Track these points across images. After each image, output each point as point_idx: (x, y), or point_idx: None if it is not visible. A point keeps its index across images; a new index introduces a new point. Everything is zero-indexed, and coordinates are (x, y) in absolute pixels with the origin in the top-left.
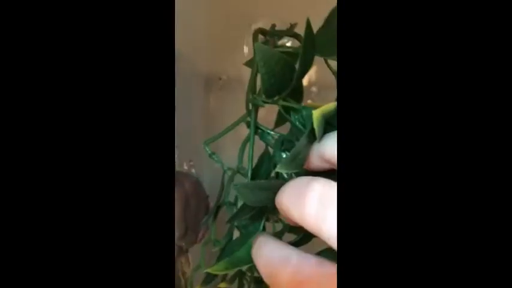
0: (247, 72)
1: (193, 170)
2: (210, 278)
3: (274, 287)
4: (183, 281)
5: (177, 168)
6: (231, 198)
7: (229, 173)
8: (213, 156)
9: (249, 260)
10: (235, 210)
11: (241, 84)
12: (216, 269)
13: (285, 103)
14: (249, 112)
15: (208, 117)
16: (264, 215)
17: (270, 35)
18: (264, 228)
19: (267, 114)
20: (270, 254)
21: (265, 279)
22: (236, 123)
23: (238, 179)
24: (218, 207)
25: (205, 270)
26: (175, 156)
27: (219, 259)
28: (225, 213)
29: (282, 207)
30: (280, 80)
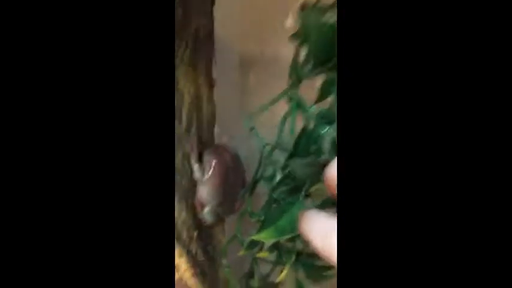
0: (285, 51)
1: (231, 145)
2: (253, 245)
3: (331, 256)
4: (218, 248)
5: (216, 142)
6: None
7: (268, 148)
8: (253, 130)
9: (292, 230)
10: (272, 184)
11: (278, 63)
12: (262, 237)
13: (329, 74)
14: (292, 85)
15: (246, 94)
16: (302, 188)
17: (315, 10)
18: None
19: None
20: (323, 225)
21: (319, 249)
22: (279, 98)
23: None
24: (255, 182)
25: (252, 238)
26: (215, 130)
27: (261, 228)
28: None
29: (333, 181)
30: (327, 50)
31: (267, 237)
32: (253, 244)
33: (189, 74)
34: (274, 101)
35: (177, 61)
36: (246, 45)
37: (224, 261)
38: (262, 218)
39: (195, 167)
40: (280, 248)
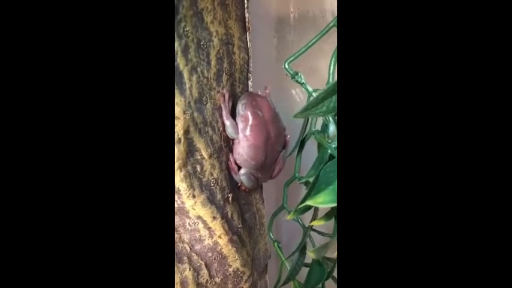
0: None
1: (269, 99)
2: (303, 209)
3: None
4: (257, 217)
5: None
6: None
7: (315, 94)
8: (297, 76)
9: None
10: (326, 139)
11: (311, 19)
12: (319, 202)
13: None
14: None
15: (282, 48)
16: None
17: None
18: None
19: None
20: None
21: None
22: (322, 33)
23: None
24: (304, 139)
25: (306, 203)
26: (249, 82)
27: (315, 190)
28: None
29: None
30: None
31: (324, 202)
32: (304, 209)
33: (217, 11)
34: (316, 39)
35: None
36: (282, 6)
37: (271, 235)
38: (314, 178)
39: (228, 122)
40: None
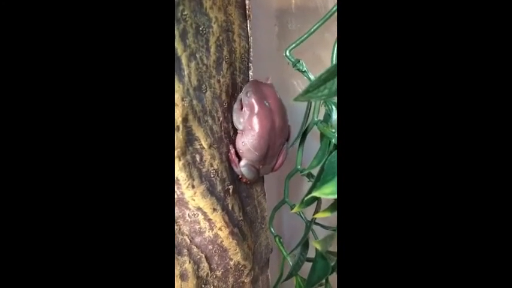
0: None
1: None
2: (309, 201)
3: None
4: (259, 210)
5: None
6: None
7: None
8: (298, 64)
9: None
10: (330, 129)
11: (313, 7)
12: (325, 193)
13: None
14: None
15: (283, 37)
16: None
17: None
18: None
19: None
20: None
21: None
22: (324, 19)
23: None
24: (306, 130)
25: (313, 195)
26: (250, 72)
27: (320, 181)
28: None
29: None
30: None
31: (332, 193)
32: (310, 201)
33: None
34: (316, 26)
35: None
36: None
37: (272, 230)
38: (319, 169)
39: (235, 116)
40: None
